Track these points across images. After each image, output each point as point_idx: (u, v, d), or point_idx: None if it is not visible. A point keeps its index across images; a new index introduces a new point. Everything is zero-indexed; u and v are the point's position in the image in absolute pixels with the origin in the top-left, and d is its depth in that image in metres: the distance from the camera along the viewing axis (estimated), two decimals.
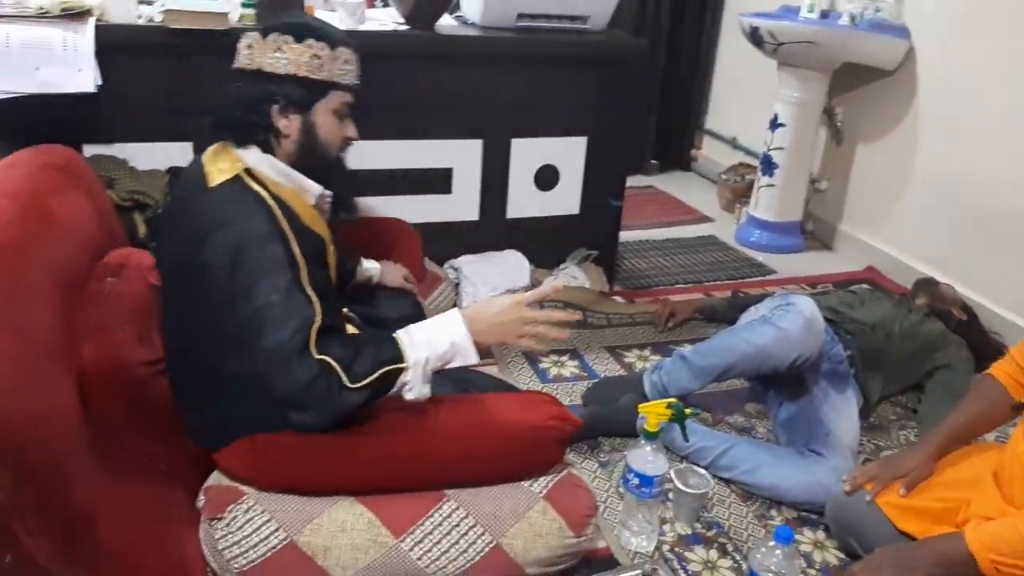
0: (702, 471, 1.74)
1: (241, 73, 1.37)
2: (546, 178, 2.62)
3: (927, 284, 2.53)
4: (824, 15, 3.04)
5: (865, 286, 2.96)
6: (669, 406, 1.62)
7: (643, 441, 1.58)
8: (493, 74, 2.43)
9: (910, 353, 2.18)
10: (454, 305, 2.36)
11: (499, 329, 1.29)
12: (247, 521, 1.25)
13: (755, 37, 3.13)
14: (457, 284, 2.43)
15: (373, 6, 2.57)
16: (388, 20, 2.38)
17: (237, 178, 1.32)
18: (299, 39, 1.33)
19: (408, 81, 2.29)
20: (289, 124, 1.36)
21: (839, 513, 1.64)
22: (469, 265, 2.49)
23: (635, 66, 2.58)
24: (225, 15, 2.00)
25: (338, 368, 1.18)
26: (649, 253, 3.20)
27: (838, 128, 3.34)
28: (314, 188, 1.40)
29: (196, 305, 1.30)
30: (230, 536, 1.24)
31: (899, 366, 2.17)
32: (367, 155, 2.04)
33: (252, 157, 1.35)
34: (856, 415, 1.95)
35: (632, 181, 4.00)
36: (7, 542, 1.05)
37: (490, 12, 2.46)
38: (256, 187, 1.31)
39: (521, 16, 2.48)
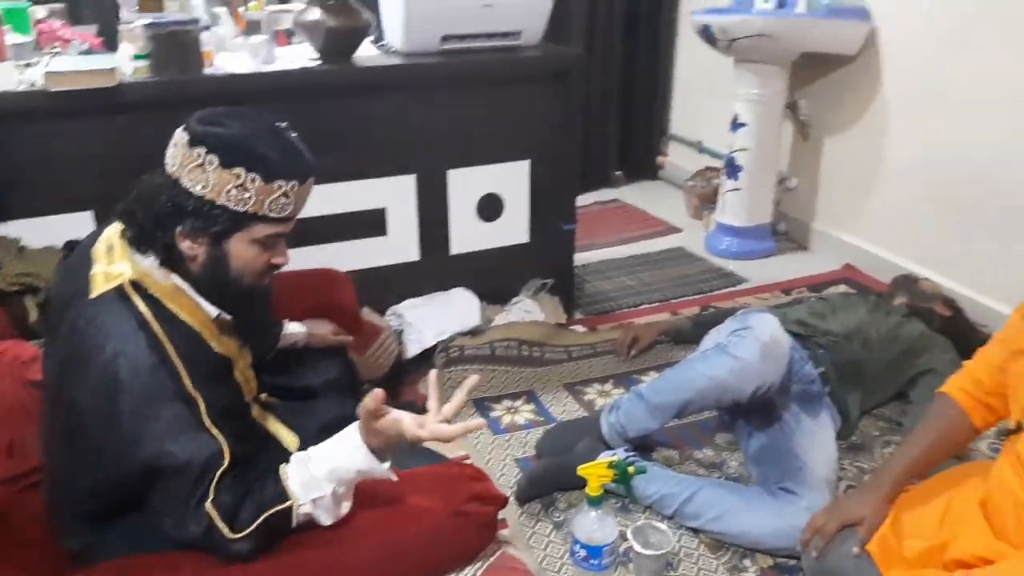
0: (663, 527, 1.56)
1: (162, 171, 1.14)
2: (489, 208, 2.46)
3: (906, 281, 2.35)
4: (781, 4, 2.85)
5: (841, 288, 2.80)
6: (611, 465, 1.45)
7: (587, 507, 1.41)
8: (421, 104, 2.27)
9: (890, 360, 2.02)
10: (399, 356, 2.20)
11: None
12: None
13: (707, 35, 2.99)
14: (400, 332, 2.26)
15: (289, 43, 2.43)
16: (303, 57, 2.24)
17: (120, 291, 1.12)
18: (226, 164, 1.09)
19: (328, 119, 2.13)
20: (195, 248, 1.15)
21: (816, 565, 1.46)
22: (413, 310, 2.32)
23: (575, 79, 2.43)
24: (112, 71, 1.85)
25: (219, 523, 1.10)
26: (612, 273, 3.02)
27: (803, 122, 3.19)
28: (210, 310, 1.22)
29: (77, 434, 1.13)
30: None
31: (879, 376, 2.01)
32: None
33: (147, 264, 1.17)
34: (832, 441, 1.79)
35: (597, 196, 3.85)
36: None
37: (412, 37, 2.31)
38: (141, 306, 1.12)
39: (447, 38, 2.33)
